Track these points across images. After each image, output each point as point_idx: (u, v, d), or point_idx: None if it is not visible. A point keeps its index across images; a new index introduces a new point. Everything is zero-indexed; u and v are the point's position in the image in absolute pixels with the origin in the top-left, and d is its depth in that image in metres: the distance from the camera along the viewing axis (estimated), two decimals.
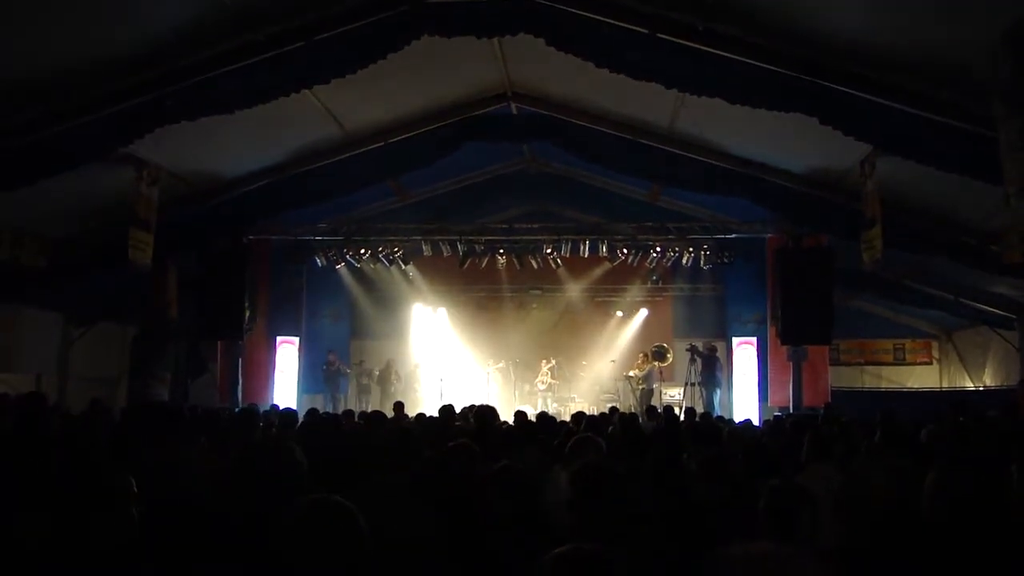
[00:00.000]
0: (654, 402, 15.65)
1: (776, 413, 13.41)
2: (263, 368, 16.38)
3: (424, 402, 17.50)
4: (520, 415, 8.80)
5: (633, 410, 16.03)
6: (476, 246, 15.52)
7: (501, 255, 15.64)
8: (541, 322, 19.37)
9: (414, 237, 15.53)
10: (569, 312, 19.32)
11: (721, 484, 3.77)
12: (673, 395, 16.80)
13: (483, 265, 15.92)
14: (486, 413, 6.88)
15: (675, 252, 15.21)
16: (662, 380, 16.77)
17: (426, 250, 15.58)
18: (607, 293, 18.79)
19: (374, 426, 7.27)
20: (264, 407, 11.51)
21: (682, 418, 11.00)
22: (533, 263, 15.88)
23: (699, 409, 14.22)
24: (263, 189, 13.07)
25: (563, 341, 18.71)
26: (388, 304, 18.75)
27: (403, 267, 16.46)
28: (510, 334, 18.53)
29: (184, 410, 7.07)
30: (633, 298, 18.67)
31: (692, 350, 16.03)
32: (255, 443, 4.17)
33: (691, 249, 15.13)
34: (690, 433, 6.57)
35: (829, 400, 14.09)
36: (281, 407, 10.85)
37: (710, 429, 6.79)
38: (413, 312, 19.11)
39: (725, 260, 15.07)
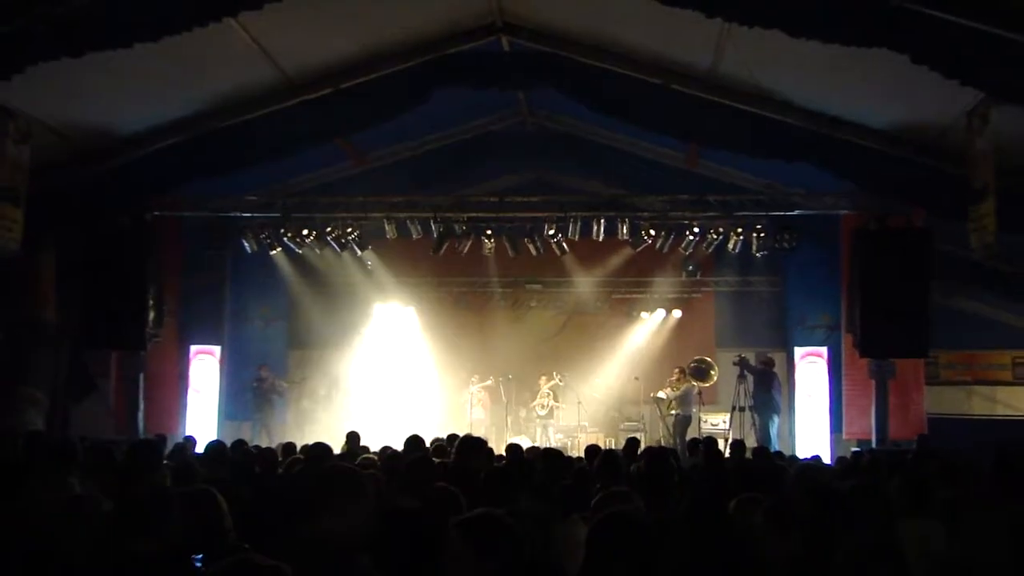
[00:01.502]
0: (692, 433, 15.66)
1: (854, 448, 13.45)
2: (172, 387, 16.36)
3: (388, 432, 17.48)
4: (513, 450, 8.76)
5: (664, 443, 16.11)
6: (456, 226, 15.50)
7: (489, 238, 15.62)
8: (541, 326, 19.35)
9: (374, 214, 15.52)
10: (578, 313, 19.30)
11: (783, 541, 3.74)
12: (717, 424, 16.81)
13: (465, 251, 15.90)
14: (470, 446, 6.86)
15: (719, 234, 15.20)
16: (702, 404, 16.78)
17: (390, 231, 15.55)
18: (628, 288, 18.78)
19: (319, 463, 7.27)
20: (174, 439, 11.46)
21: (728, 454, 11.01)
22: (531, 248, 15.87)
23: (751, 442, 14.22)
24: (173, 150, 13.03)
25: (570, 352, 18.74)
26: (339, 303, 18.74)
27: (359, 253, 16.41)
28: (500, 342, 18.55)
29: (64, 443, 7.01)
30: (663, 295, 18.65)
31: (741, 364, 16.05)
32: (157, 489, 4.12)
33: (740, 230, 15.12)
34: (739, 474, 6.55)
35: (924, 431, 14.12)
36: (197, 439, 10.81)
37: (766, 469, 6.77)
38: (372, 313, 19.11)
39: (785, 245, 15.06)
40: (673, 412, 16.65)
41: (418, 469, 5.83)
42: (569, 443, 17.01)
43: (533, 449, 10.80)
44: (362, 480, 3.66)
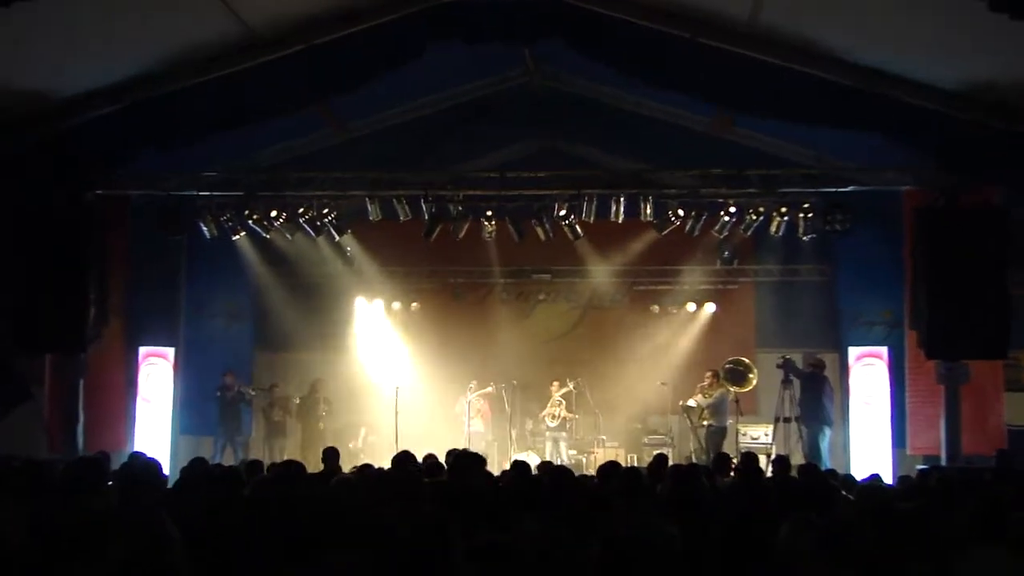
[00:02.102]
0: (727, 448, 15.62)
1: (920, 466, 13.35)
2: (118, 396, 16.31)
3: (371, 448, 17.57)
4: (518, 468, 8.76)
5: (695, 459, 16.12)
6: (451, 206, 15.45)
7: (489, 220, 15.59)
8: (551, 323, 19.39)
9: (354, 192, 15.52)
10: (594, 308, 19.30)
11: (837, 572, 3.73)
12: (757, 437, 16.80)
13: (461, 235, 15.85)
14: (466, 463, 6.85)
15: (759, 214, 15.14)
16: (740, 414, 16.76)
17: (373, 212, 15.52)
18: (653, 279, 18.79)
19: (291, 486, 7.26)
20: (120, 457, 11.42)
21: (770, 472, 10.98)
22: (539, 232, 15.82)
23: (797, 459, 14.15)
24: (118, 117, 13.00)
25: (585, 353, 18.77)
26: (314, 297, 18.80)
27: (337, 239, 16.39)
28: (503, 342, 18.61)
29: None
30: (694, 286, 18.71)
31: (786, 367, 16.01)
32: (98, 515, 4.11)
33: (784, 210, 15.07)
34: (783, 495, 6.54)
35: (1004, 446, 14.01)
36: (147, 456, 10.76)
37: (816, 489, 6.75)
38: (353, 309, 19.15)
39: (837, 227, 14.99)
40: (705, 423, 16.63)
41: (406, 490, 5.82)
42: (584, 460, 16.99)
43: (544, 467, 10.81)
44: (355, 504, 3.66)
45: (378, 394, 18.19)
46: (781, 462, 11.04)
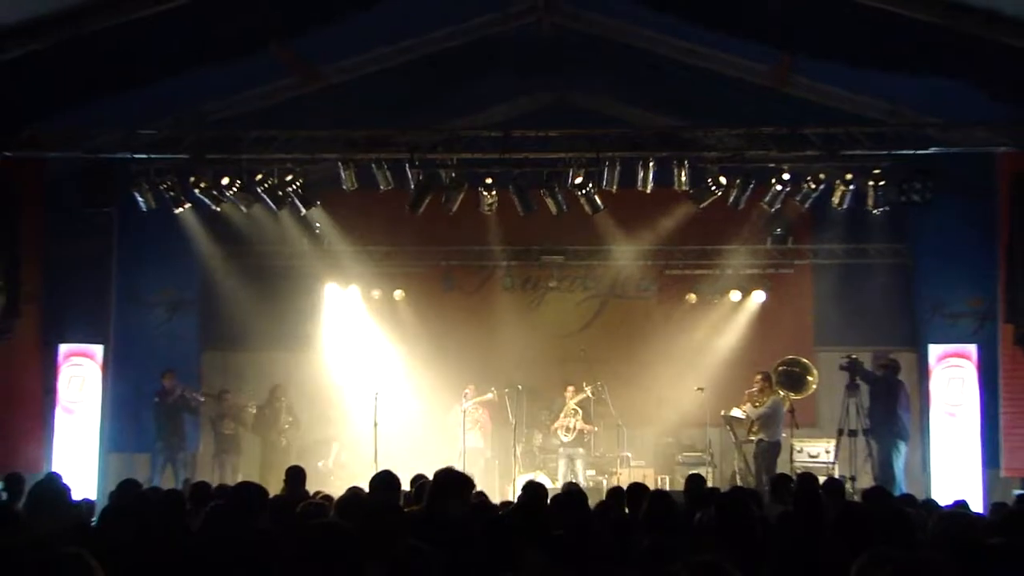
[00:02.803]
0: (781, 468, 15.60)
1: (1017, 491, 13.34)
2: (33, 405, 16.29)
3: (346, 468, 17.57)
4: (533, 491, 8.77)
5: (741, 481, 16.19)
6: (443, 172, 15.45)
7: (490, 190, 15.58)
8: (564, 316, 19.46)
9: (325, 155, 15.56)
10: (617, 297, 19.38)
11: None
12: (816, 454, 16.81)
13: (455, 208, 15.85)
14: (444, 486, 6.81)
15: (819, 182, 15.12)
16: (795, 426, 16.74)
17: (348, 180, 15.47)
18: (689, 261, 18.87)
19: (247, 515, 7.23)
20: (35, 478, 11.40)
21: (828, 497, 10.99)
22: (550, 204, 15.78)
23: (865, 481, 14.14)
24: (31, 61, 12.88)
25: (606, 351, 18.80)
26: (275, 283, 18.84)
27: (304, 212, 16.38)
28: (506, 339, 18.70)
29: None
30: (739, 271, 18.76)
31: (852, 369, 15.98)
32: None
33: (850, 177, 15.04)
34: (849, 525, 6.52)
35: None
36: (60, 479, 10.73)
37: (889, 518, 6.72)
38: (323, 298, 19.19)
39: (916, 198, 14.94)
40: (753, 438, 16.58)
41: (383, 519, 5.79)
42: (605, 482, 16.98)
43: (569, 487, 10.82)
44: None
45: (354, 402, 18.17)
46: (833, 485, 11.01)
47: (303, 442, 18.04)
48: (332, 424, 18.38)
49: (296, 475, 10.52)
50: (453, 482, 6.95)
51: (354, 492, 9.03)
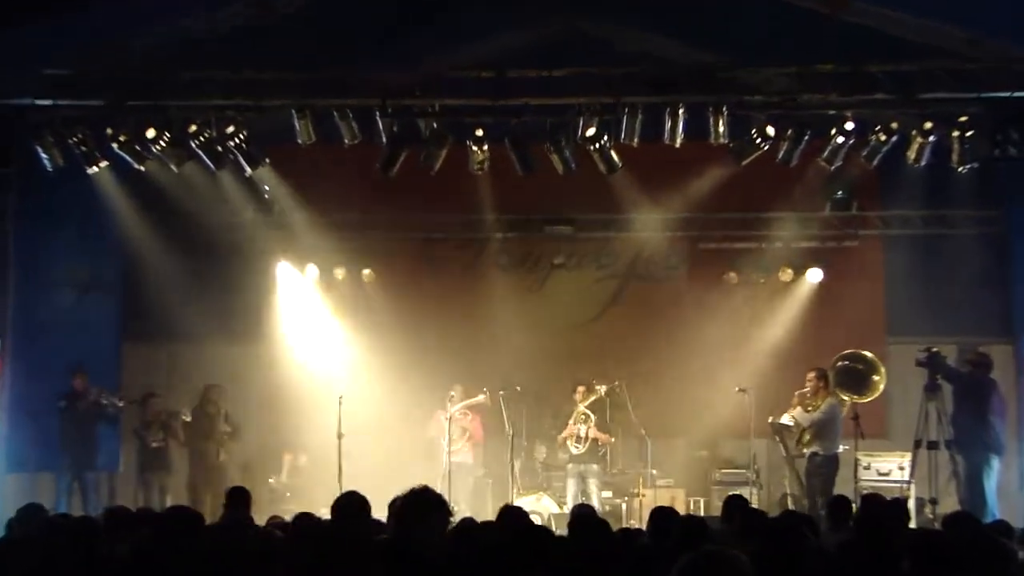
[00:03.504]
0: (842, 487, 15.61)
1: None
2: None
3: (304, 486, 17.57)
4: (512, 517, 8.71)
5: (793, 504, 16.23)
6: (421, 122, 15.49)
7: (480, 144, 15.56)
8: (574, 301, 19.51)
9: (276, 101, 15.60)
10: (639, 278, 19.45)
11: None
12: (887, 471, 16.75)
13: (437, 167, 15.84)
14: (415, 508, 6.79)
15: (890, 133, 15.11)
16: (860, 436, 16.67)
17: (304, 132, 15.45)
18: (728, 231, 18.97)
19: (179, 547, 7.22)
20: None
21: (900, 523, 10.98)
22: (555, 162, 15.76)
23: (948, 504, 14.13)
24: None
25: (625, 344, 18.90)
26: (214, 260, 18.82)
27: (250, 172, 16.34)
28: (501, 329, 18.76)
29: None
30: (791, 243, 18.79)
31: (932, 365, 15.97)
32: None
33: (928, 126, 15.01)
34: (927, 558, 6.54)
35: None
36: None
37: (979, 550, 6.73)
38: (273, 278, 19.23)
39: (1011, 151, 14.98)
40: (807, 450, 16.56)
41: (349, 554, 5.79)
42: (625, 506, 17.08)
43: (580, 510, 10.80)
44: None
45: (312, 407, 18.14)
46: (896, 509, 10.98)
47: (247, 456, 18.07)
48: (285, 434, 18.48)
49: (239, 498, 10.47)
50: (422, 505, 6.93)
51: (310, 519, 8.99)
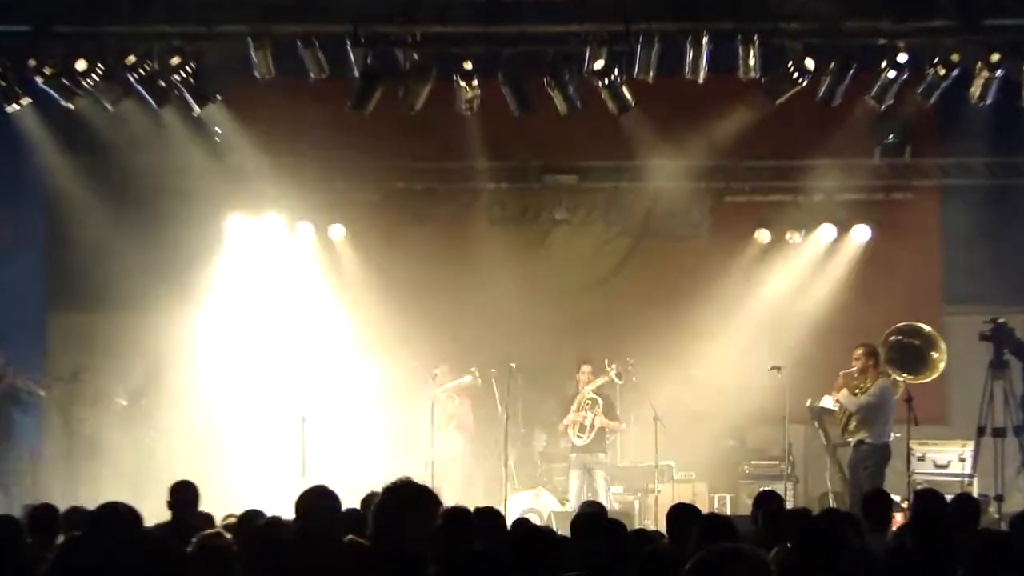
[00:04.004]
0: (893, 482, 15.65)
1: None
2: None
3: (263, 479, 17.45)
4: (491, 520, 8.71)
5: (834, 502, 16.30)
6: (400, 53, 15.51)
7: (469, 80, 15.54)
8: (578, 264, 19.59)
9: (228, 27, 15.54)
10: (654, 236, 19.53)
11: None
12: (946, 462, 16.83)
13: (419, 106, 15.79)
14: (399, 505, 6.79)
15: (950, 67, 15.09)
16: (915, 423, 16.66)
17: (262, 65, 15.43)
18: (760, 182, 18.98)
19: (117, 552, 7.22)
20: None
21: (959, 523, 11.00)
22: (557, 100, 15.75)
23: (1014, 500, 14.16)
24: None
25: (637, 314, 18.90)
26: (156, 214, 18.81)
27: (198, 111, 16.32)
28: (494, 296, 18.77)
29: None
30: (833, 196, 18.78)
31: (995, 337, 16.02)
32: None
33: (996, 58, 14.97)
34: (991, 563, 6.56)
35: None
36: None
37: None
38: (225, 235, 19.27)
39: None
40: (852, 439, 16.58)
41: (317, 560, 5.80)
42: (638, 503, 17.15)
43: (590, 508, 10.84)
44: None
45: (271, 386, 18.30)
46: (967, 507, 10.99)
47: (195, 443, 17.98)
48: (238, 416, 18.40)
49: (185, 494, 10.50)
50: (407, 499, 6.92)
51: (269, 520, 8.99)
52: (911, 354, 16.81)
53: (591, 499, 15.91)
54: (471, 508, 10.12)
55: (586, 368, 17.68)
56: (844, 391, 16.51)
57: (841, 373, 16.66)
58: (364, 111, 15.78)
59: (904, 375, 16.64)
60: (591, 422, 17.36)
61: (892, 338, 16.85)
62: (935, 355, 16.85)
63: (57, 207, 18.30)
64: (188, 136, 17.61)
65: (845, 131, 17.73)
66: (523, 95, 15.77)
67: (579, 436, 17.44)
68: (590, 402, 17.48)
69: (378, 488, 9.51)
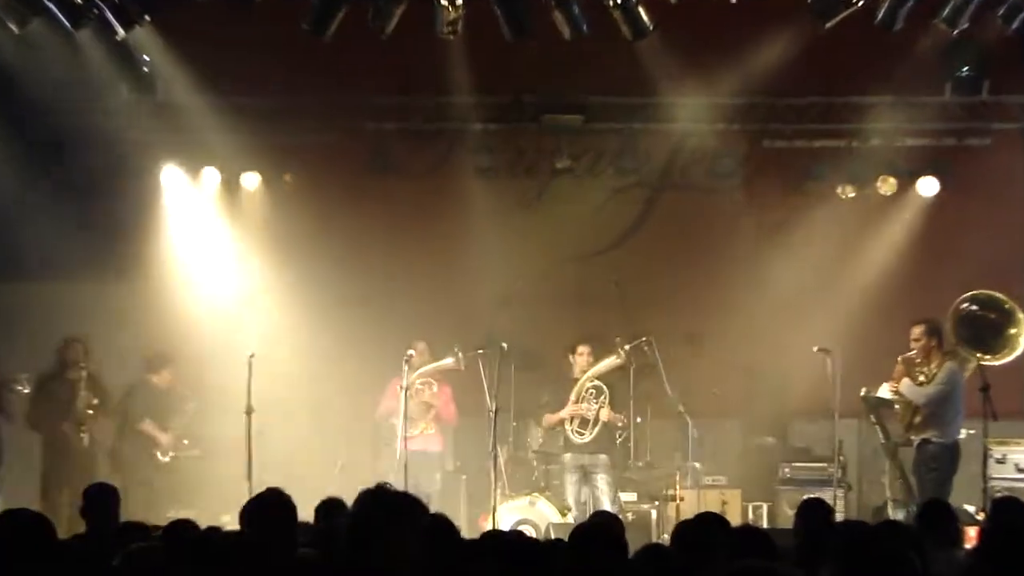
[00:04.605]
0: (965, 488, 15.69)
1: None
2: None
3: (200, 482, 17.60)
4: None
5: (892, 511, 16.24)
6: None
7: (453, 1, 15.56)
8: (583, 222, 19.64)
9: None
10: (676, 189, 19.62)
11: None
12: None
13: (389, 30, 15.79)
14: (380, 512, 6.79)
15: None
16: (992, 416, 16.69)
17: None
18: (804, 123, 18.97)
19: (14, 571, 7.22)
20: None
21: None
22: (559, 23, 15.75)
23: None
24: None
25: (655, 284, 19.00)
26: (74, 163, 18.75)
27: (123, 34, 16.28)
28: (481, 262, 18.84)
29: None
30: (893, 140, 18.81)
31: None
32: None
33: None
34: None
35: None
36: None
37: None
38: (157, 189, 19.26)
39: None
40: (916, 437, 16.61)
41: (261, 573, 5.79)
42: (656, 513, 17.21)
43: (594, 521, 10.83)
44: None
45: (211, 369, 18.35)
46: (1012, 512, 10.99)
47: (119, 438, 18.01)
48: (171, 408, 18.38)
49: (104, 499, 10.49)
50: (390, 508, 6.90)
51: (207, 530, 8.98)
52: (985, 329, 16.80)
53: (593, 508, 16.04)
54: (458, 515, 10.12)
55: (583, 349, 17.59)
56: (906, 380, 16.53)
57: (901, 358, 16.70)
58: (324, 35, 15.77)
59: (977, 355, 16.60)
60: (596, 414, 17.27)
61: (963, 307, 16.82)
62: (1014, 331, 16.83)
63: None
64: (111, 66, 17.52)
65: (909, 63, 17.67)
66: (517, 16, 15.74)
67: (579, 433, 17.37)
68: (593, 391, 17.40)
69: (338, 491, 9.58)
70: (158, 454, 17.83)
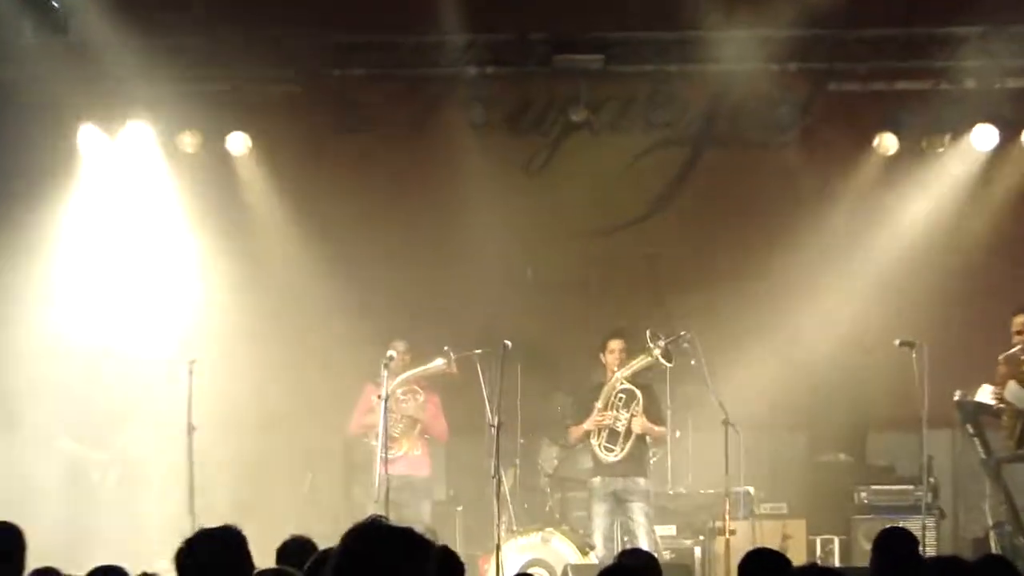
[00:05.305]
0: None
1: None
2: None
3: (130, 516, 17.71)
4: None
5: (996, 545, 16.21)
6: None
7: None
8: (603, 189, 19.67)
9: None
10: (720, 145, 19.61)
11: None
12: None
13: None
14: (368, 548, 6.78)
15: None
16: None
17: None
18: (878, 62, 18.83)
19: None
20: None
21: None
22: None
23: None
24: None
25: (696, 263, 19.13)
26: None
27: None
28: (479, 239, 18.89)
29: None
30: (990, 83, 18.63)
31: None
32: None
33: None
34: None
35: None
36: None
37: None
38: (75, 151, 19.18)
39: None
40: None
41: None
42: (700, 551, 17.27)
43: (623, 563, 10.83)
44: None
45: (144, 376, 18.34)
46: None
47: (24, 459, 17.99)
48: (94, 426, 18.36)
49: (7, 541, 10.50)
50: (391, 550, 6.81)
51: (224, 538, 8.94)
52: None
53: (632, 547, 15.92)
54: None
55: (616, 345, 17.50)
56: (1011, 382, 16.48)
57: (1001, 357, 16.66)
58: None
59: None
60: (626, 427, 17.21)
61: None
62: None
63: None
64: (14, 4, 17.51)
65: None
66: None
67: (608, 450, 17.28)
68: (623, 396, 17.29)
69: (298, 532, 9.58)
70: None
